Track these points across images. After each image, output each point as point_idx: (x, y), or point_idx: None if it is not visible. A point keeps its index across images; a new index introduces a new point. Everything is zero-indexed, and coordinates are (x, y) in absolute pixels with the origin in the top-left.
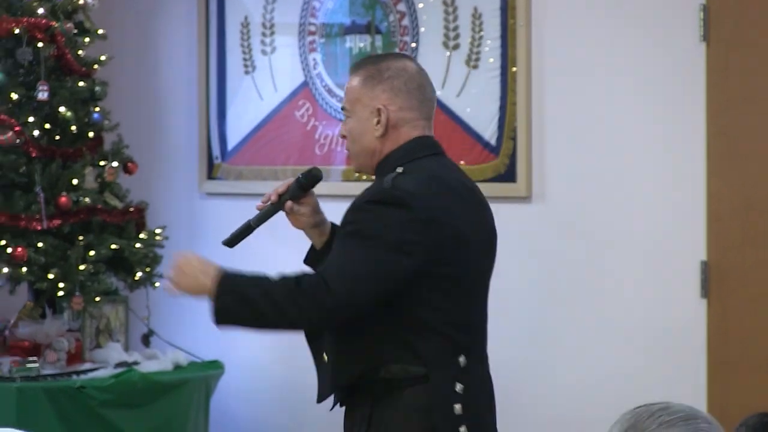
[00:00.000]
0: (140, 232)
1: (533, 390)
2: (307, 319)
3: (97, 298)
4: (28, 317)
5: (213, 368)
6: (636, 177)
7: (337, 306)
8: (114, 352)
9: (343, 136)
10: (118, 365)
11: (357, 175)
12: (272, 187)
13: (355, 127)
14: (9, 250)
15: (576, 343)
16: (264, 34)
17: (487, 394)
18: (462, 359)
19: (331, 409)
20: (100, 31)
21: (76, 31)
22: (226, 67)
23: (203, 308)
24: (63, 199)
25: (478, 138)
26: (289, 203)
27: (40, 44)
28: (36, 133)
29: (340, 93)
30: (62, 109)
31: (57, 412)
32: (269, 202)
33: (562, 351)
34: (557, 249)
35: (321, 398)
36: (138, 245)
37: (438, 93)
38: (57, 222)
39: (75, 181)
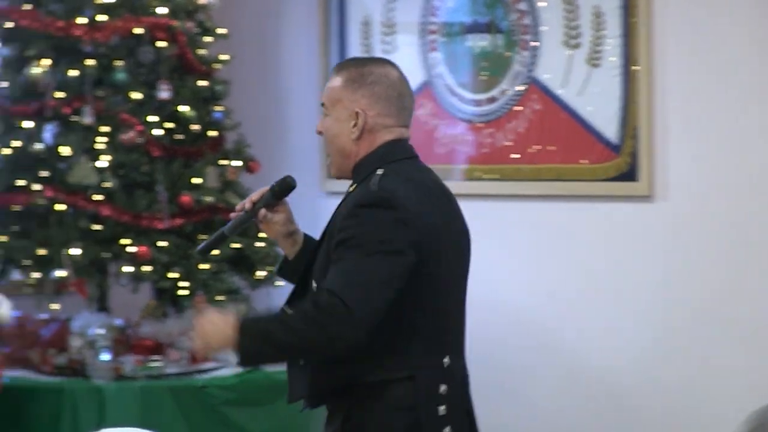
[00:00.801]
0: (261, 232)
1: (657, 393)
2: (333, 338)
3: (219, 297)
4: (151, 316)
5: None
6: (761, 174)
7: (360, 318)
8: None
9: (319, 133)
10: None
11: (478, 174)
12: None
13: (332, 126)
14: (132, 248)
15: (701, 348)
16: (384, 33)
17: (467, 393)
18: (446, 360)
19: (302, 410)
20: (221, 31)
21: (197, 30)
22: None
23: None
24: (185, 198)
25: (599, 137)
26: (262, 211)
27: (161, 44)
28: (158, 132)
29: (462, 92)
30: (184, 108)
31: (180, 411)
32: (243, 211)
33: (687, 354)
34: (681, 248)
35: (292, 399)
36: (259, 244)
37: (559, 92)
38: (179, 221)
39: (196, 180)
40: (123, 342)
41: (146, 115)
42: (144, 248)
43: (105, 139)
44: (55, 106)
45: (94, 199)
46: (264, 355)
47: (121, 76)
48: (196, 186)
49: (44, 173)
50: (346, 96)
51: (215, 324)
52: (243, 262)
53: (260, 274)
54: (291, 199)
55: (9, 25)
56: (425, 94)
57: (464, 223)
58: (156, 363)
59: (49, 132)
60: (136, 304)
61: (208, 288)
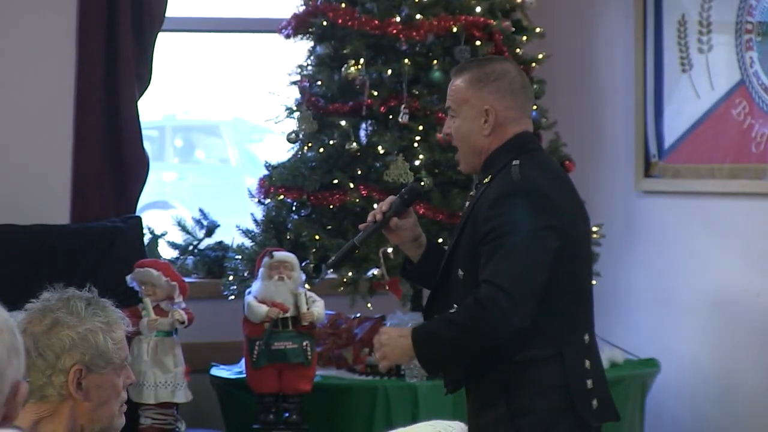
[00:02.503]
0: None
1: None
2: (497, 326)
3: None
4: None
5: (649, 366)
6: None
7: (518, 302)
8: None
9: (447, 135)
10: None
11: None
12: (703, 186)
13: (462, 126)
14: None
15: None
16: (701, 33)
17: (603, 370)
18: (586, 337)
19: (446, 394)
20: (538, 30)
21: (513, 29)
22: (663, 66)
23: (641, 306)
24: None
25: None
26: (394, 220)
27: (477, 42)
28: None
29: None
30: None
31: None
32: (374, 221)
33: None
34: None
35: (451, 390)
36: None
37: None
38: None
39: None
40: None
41: None
42: None
43: (420, 137)
44: (370, 104)
45: None
46: (443, 358)
47: (437, 75)
48: None
49: (359, 171)
50: (473, 95)
51: (393, 338)
52: None
53: None
54: (605, 198)
55: (325, 23)
56: (740, 93)
57: (584, 205)
58: None
59: (364, 130)
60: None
61: None
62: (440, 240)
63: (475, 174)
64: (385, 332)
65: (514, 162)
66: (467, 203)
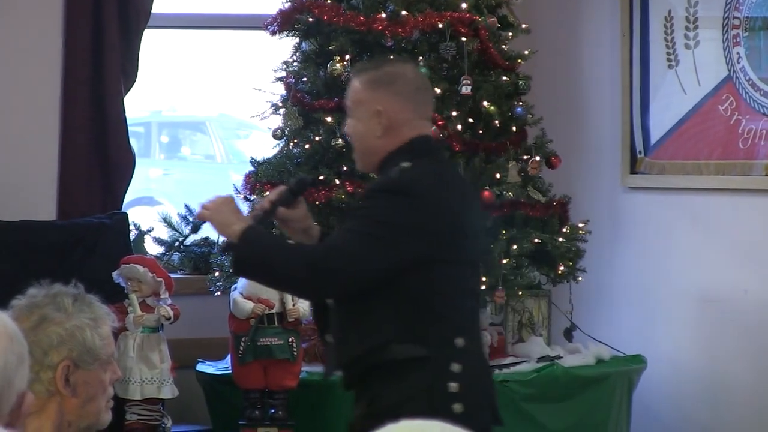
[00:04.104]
0: (563, 226)
1: None
2: (304, 280)
3: (520, 292)
4: None
5: (635, 363)
6: None
7: (333, 274)
8: (536, 347)
9: (347, 134)
10: (541, 359)
11: None
12: (689, 182)
13: (357, 126)
14: None
15: None
16: (687, 28)
17: (487, 373)
18: (460, 341)
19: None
20: (524, 26)
21: (499, 25)
22: (649, 61)
23: (627, 303)
24: (486, 193)
25: None
26: (281, 209)
27: (463, 39)
28: (459, 127)
29: (765, 87)
30: (485, 103)
31: None
32: (262, 210)
33: None
34: None
35: (325, 376)
36: (561, 239)
37: None
38: None
39: (498, 175)
40: None
41: (448, 110)
42: None
43: None
44: None
45: None
46: (253, 266)
47: (423, 71)
48: (498, 181)
49: (345, 168)
50: (367, 96)
51: (231, 209)
52: (543, 257)
53: (561, 269)
54: (591, 194)
55: (310, 19)
56: (727, 88)
57: (481, 216)
58: None
59: None
60: None
61: (508, 283)
62: None
63: (366, 171)
64: (228, 199)
65: (403, 164)
66: None
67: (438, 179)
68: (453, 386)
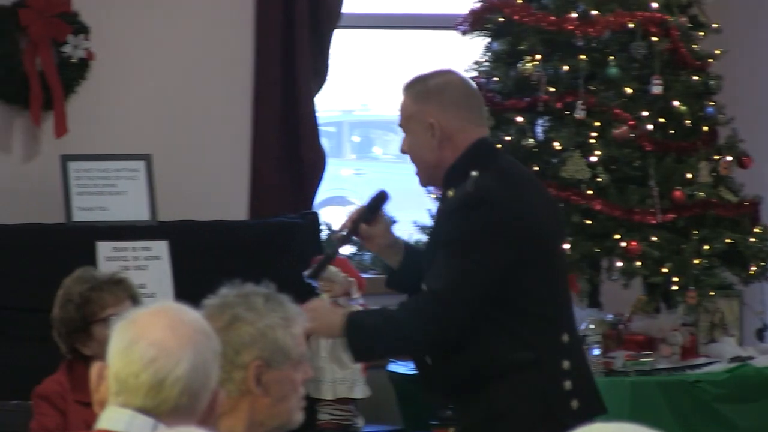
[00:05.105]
0: (755, 226)
1: None
2: (430, 334)
3: (712, 293)
4: (642, 311)
5: None
6: None
7: (454, 314)
8: (728, 347)
9: (403, 152)
10: (732, 360)
11: None
12: None
13: (413, 142)
14: (623, 243)
15: None
16: None
17: (588, 364)
18: (565, 337)
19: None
20: (715, 25)
21: (690, 25)
22: None
23: None
24: (677, 193)
25: None
26: (363, 227)
27: (654, 38)
28: (650, 127)
29: None
30: (676, 103)
31: (670, 406)
32: (344, 230)
33: None
34: None
35: (427, 398)
36: (752, 239)
37: None
38: (671, 216)
39: (689, 176)
40: (614, 337)
41: (638, 110)
42: (635, 243)
43: (596, 133)
44: (546, 100)
45: (586, 193)
46: (367, 348)
47: (613, 71)
48: (689, 181)
49: (536, 167)
50: (417, 111)
51: (321, 313)
52: (736, 257)
53: (753, 269)
54: None
55: (501, 19)
56: None
57: (557, 207)
58: (647, 358)
59: (540, 126)
60: (626, 299)
61: (700, 283)
62: (617, 236)
63: (436, 188)
64: (314, 305)
65: (472, 173)
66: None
67: (512, 181)
68: (567, 384)
